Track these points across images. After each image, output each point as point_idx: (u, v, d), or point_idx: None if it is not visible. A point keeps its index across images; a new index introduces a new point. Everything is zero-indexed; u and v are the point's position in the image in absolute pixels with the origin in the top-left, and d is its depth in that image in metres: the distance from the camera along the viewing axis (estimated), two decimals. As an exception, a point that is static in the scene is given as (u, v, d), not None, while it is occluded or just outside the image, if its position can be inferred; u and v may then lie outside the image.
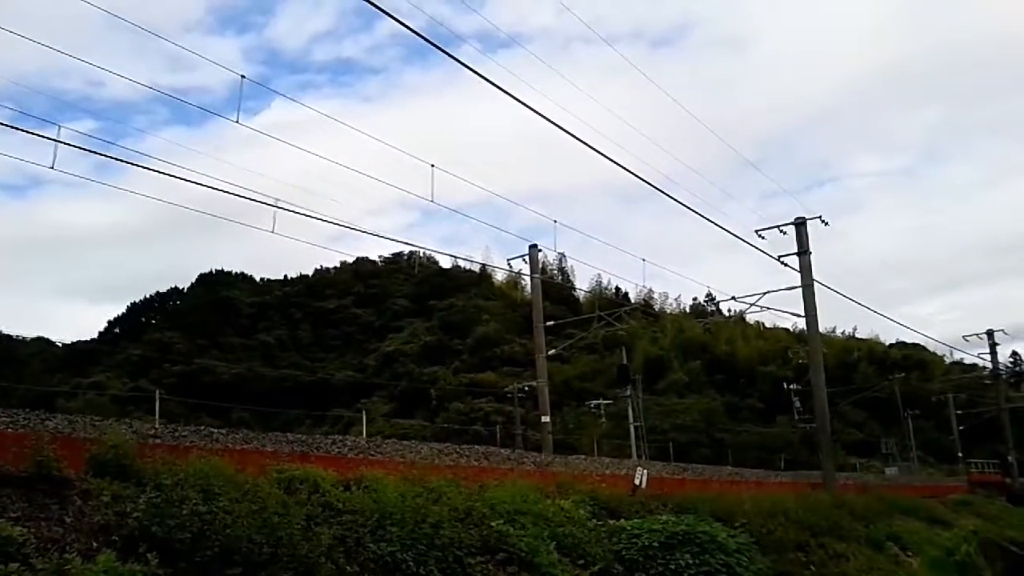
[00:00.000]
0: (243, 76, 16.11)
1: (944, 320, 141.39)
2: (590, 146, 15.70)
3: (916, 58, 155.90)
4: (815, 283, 28.76)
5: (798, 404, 52.07)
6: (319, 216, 18.07)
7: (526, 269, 31.88)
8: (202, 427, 13.98)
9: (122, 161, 15.21)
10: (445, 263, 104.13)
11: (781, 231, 28.84)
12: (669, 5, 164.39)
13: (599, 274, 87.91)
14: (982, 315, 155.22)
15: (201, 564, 7.56)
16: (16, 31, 13.19)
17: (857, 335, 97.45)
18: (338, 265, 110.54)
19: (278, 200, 16.71)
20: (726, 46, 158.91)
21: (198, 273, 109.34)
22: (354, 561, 8.87)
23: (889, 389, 66.56)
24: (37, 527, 7.20)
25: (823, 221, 29.20)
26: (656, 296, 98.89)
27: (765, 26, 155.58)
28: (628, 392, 40.43)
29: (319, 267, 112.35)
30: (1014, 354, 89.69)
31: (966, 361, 75.76)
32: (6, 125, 12.70)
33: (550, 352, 32.84)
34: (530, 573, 10.79)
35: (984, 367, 56.33)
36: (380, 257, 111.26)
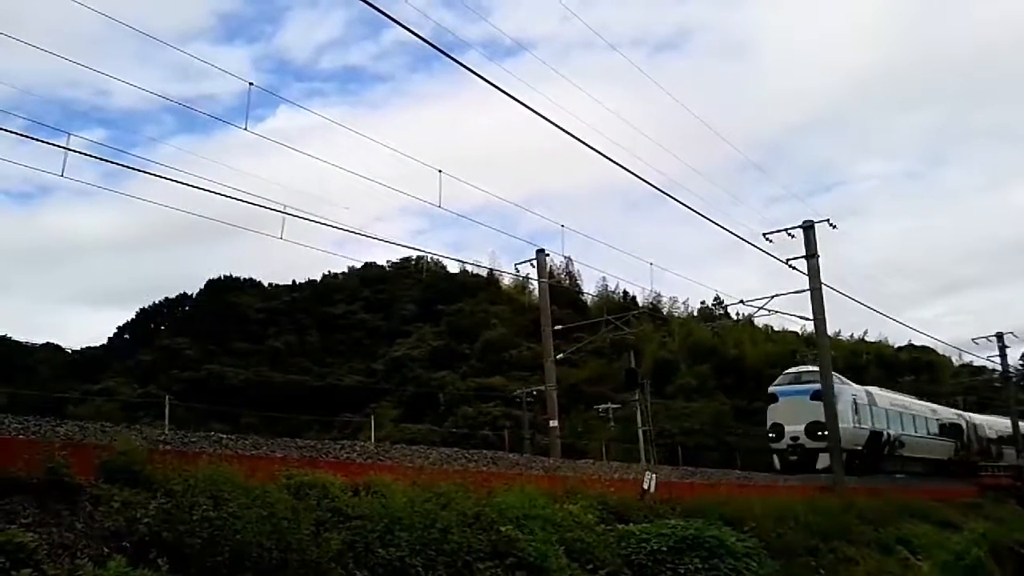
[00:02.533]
0: (251, 83, 16.16)
1: (951, 323, 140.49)
2: (596, 150, 15.76)
3: (918, 61, 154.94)
4: (823, 286, 28.72)
5: (807, 407, 51.75)
6: (327, 222, 18.23)
7: (534, 273, 31.89)
8: (211, 433, 14.00)
9: (131, 168, 15.28)
10: (453, 268, 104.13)
11: (789, 234, 28.81)
12: (670, 11, 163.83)
13: (606, 278, 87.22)
14: (988, 318, 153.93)
15: (212, 569, 7.60)
16: (21, 38, 13.28)
17: (866, 338, 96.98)
18: (346, 270, 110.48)
19: (286, 206, 16.76)
20: (728, 51, 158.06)
21: (207, 279, 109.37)
22: (363, 566, 8.90)
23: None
24: (48, 533, 7.26)
25: (831, 224, 29.14)
26: (664, 300, 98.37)
27: (767, 30, 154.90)
28: (636, 396, 40.36)
29: (327, 273, 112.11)
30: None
31: (975, 364, 75.07)
32: (18, 134, 12.79)
33: (558, 356, 32.82)
34: (539, 578, 10.79)
35: (994, 369, 56.07)
36: (388, 262, 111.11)
